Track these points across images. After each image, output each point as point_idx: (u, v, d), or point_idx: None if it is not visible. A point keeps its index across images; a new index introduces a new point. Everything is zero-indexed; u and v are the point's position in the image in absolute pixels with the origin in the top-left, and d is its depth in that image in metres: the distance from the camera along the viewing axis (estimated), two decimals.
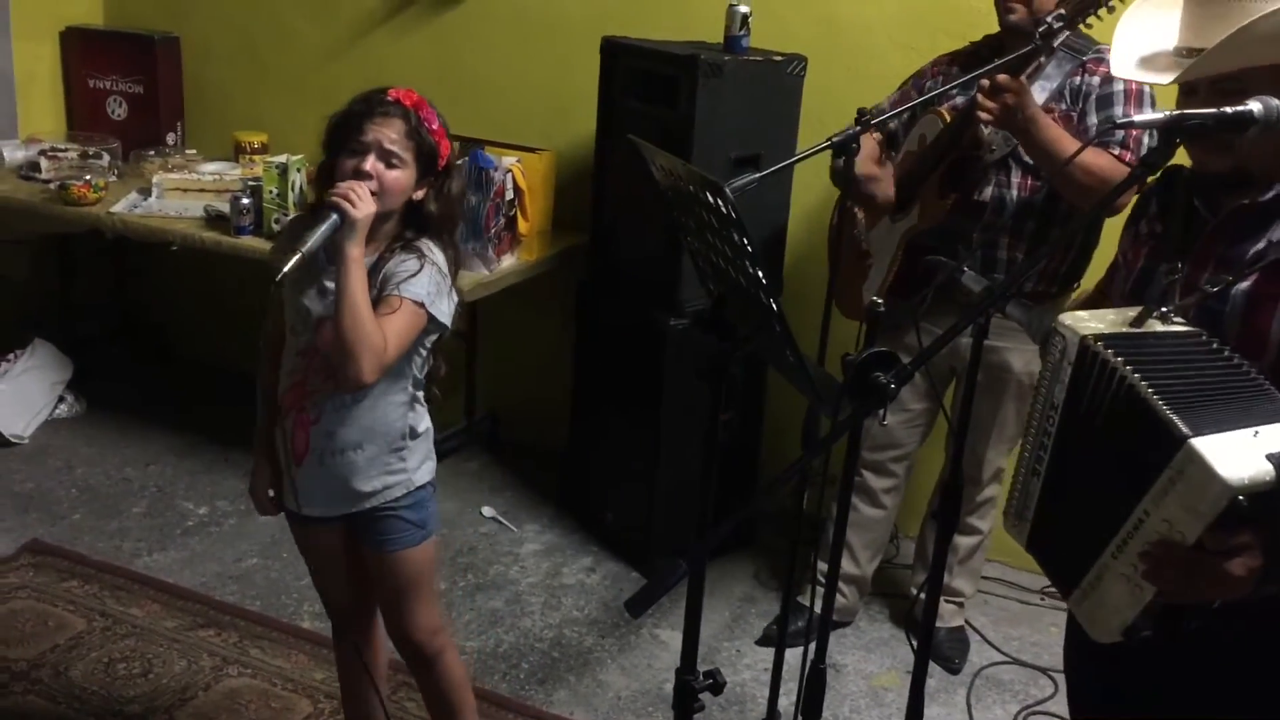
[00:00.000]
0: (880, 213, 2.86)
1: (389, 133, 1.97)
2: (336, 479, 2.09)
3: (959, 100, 2.75)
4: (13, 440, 3.91)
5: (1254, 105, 1.41)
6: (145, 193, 3.86)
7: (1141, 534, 1.38)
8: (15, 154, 4.13)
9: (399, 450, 2.11)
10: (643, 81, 3.29)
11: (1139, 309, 1.53)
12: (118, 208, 3.74)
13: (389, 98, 2.01)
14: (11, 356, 4.08)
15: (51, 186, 3.86)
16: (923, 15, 3.37)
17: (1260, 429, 1.31)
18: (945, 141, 2.67)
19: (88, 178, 3.82)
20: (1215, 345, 1.46)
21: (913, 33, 3.37)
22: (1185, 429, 1.31)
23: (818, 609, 3.15)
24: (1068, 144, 2.53)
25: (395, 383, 2.08)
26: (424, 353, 2.12)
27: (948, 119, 2.67)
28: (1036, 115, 2.51)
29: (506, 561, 3.44)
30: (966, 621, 3.25)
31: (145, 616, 3.03)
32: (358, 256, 1.92)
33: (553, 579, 3.38)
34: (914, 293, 2.60)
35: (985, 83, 2.48)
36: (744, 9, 3.22)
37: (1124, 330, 1.50)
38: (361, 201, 1.90)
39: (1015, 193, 2.73)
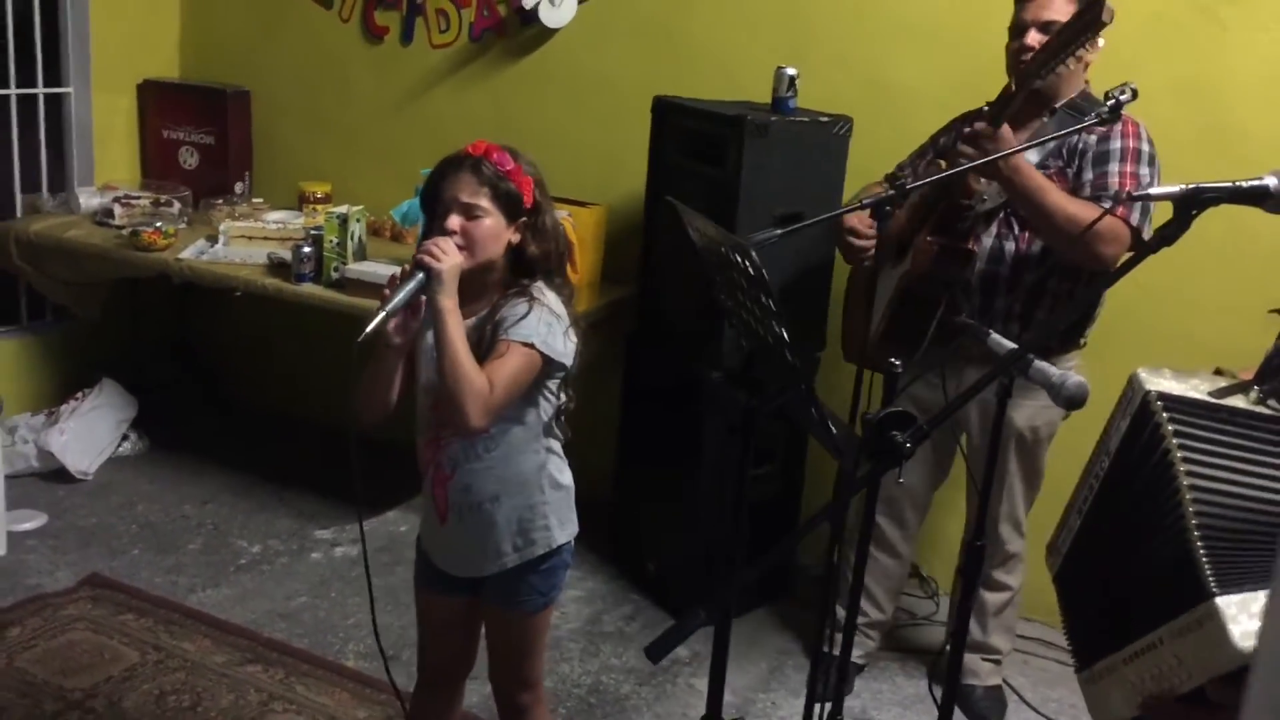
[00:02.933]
0: (851, 259, 2.96)
1: (464, 186, 1.99)
2: (477, 536, 2.10)
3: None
4: (78, 476, 4.05)
5: (1270, 180, 1.45)
6: (212, 240, 4.00)
7: (1154, 657, 1.37)
8: (91, 200, 4.30)
9: (540, 504, 2.11)
10: (691, 140, 3.38)
11: (1236, 381, 1.49)
12: (185, 254, 3.89)
13: (461, 154, 2.03)
14: (80, 395, 4.23)
15: (124, 232, 4.02)
16: (966, 77, 3.41)
17: None
18: (938, 189, 2.72)
19: (158, 224, 3.98)
20: None
21: (957, 94, 3.41)
22: (1214, 585, 1.29)
23: (851, 656, 3.20)
24: (1052, 193, 2.60)
25: (523, 428, 2.07)
26: (550, 396, 2.10)
27: (942, 169, 2.71)
28: (1019, 164, 2.57)
29: None
30: (1005, 681, 3.24)
31: (196, 651, 3.12)
32: (450, 307, 1.93)
33: (593, 626, 3.43)
34: (907, 338, 2.64)
35: (967, 129, 2.54)
36: (791, 71, 3.30)
37: (1196, 397, 1.46)
38: (445, 255, 1.93)
39: (1014, 245, 2.78)
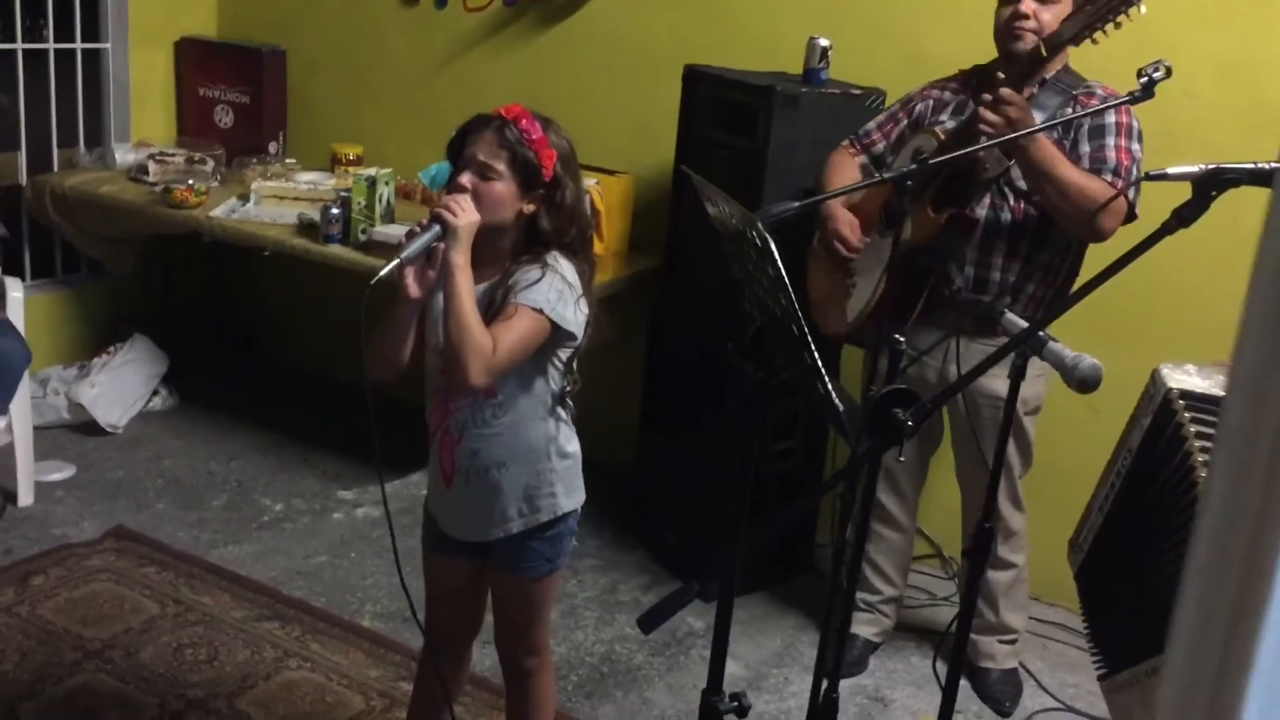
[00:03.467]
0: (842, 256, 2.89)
1: (484, 145, 1.99)
2: (484, 501, 2.10)
3: (948, 124, 2.78)
4: (108, 429, 4.10)
5: None
6: (244, 199, 4.02)
7: None
8: (126, 156, 4.34)
9: (547, 471, 2.11)
10: (721, 110, 3.34)
11: None
12: (216, 212, 3.91)
13: (491, 113, 2.02)
14: (112, 349, 4.28)
15: (157, 189, 4.05)
16: None
17: None
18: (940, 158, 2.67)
19: (191, 182, 4.00)
20: None
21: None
22: None
23: (865, 634, 3.19)
24: (1063, 163, 2.57)
25: (532, 397, 2.06)
26: (559, 366, 2.09)
27: (942, 137, 2.65)
28: (1037, 133, 2.53)
29: (565, 574, 3.50)
30: (1022, 664, 3.21)
31: (215, 605, 3.15)
32: (461, 264, 1.93)
33: (609, 595, 3.44)
34: (898, 311, 2.63)
35: (988, 96, 2.49)
36: (824, 42, 3.26)
37: (1219, 394, 1.45)
38: (463, 211, 1.93)
39: (1009, 215, 2.75)
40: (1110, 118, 2.69)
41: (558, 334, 2.01)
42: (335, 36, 4.55)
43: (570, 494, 2.15)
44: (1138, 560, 1.51)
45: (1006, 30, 2.69)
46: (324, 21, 4.56)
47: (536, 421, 2.09)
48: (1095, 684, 3.19)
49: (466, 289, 1.94)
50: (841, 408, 1.61)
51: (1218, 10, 3.16)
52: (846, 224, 2.86)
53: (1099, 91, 2.71)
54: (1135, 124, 2.71)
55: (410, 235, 1.96)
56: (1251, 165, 1.41)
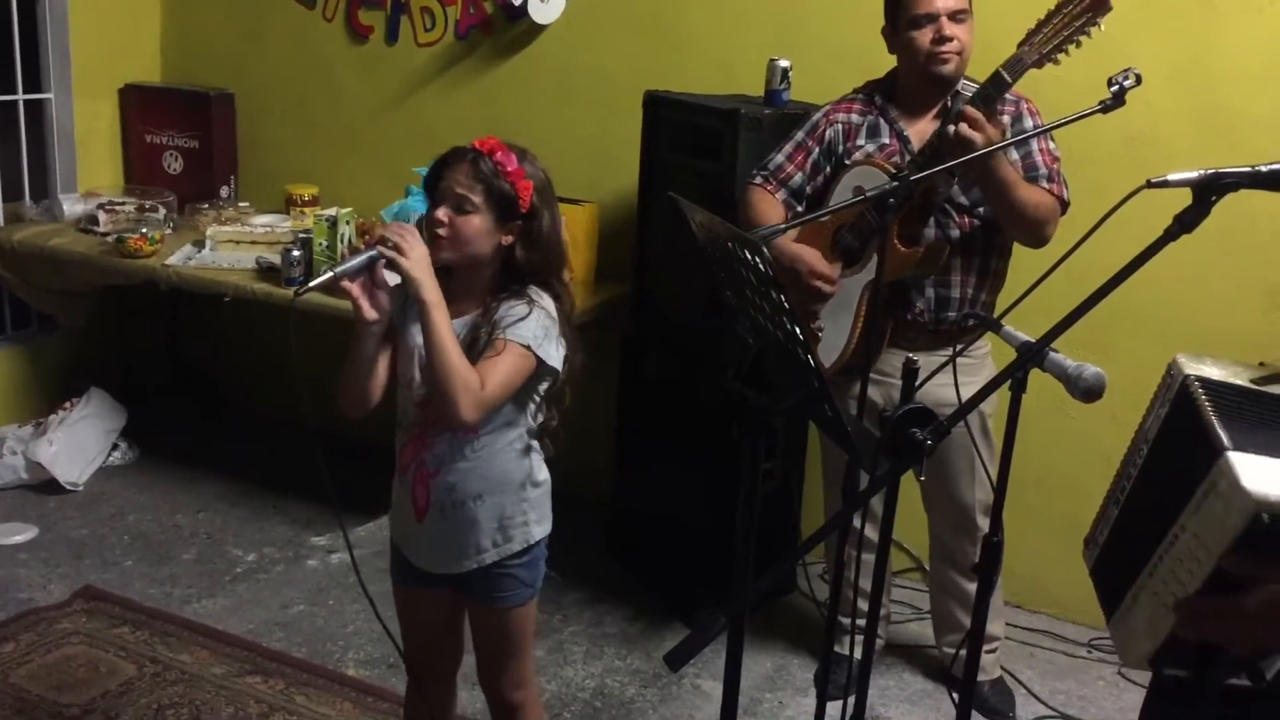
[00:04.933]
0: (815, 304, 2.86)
1: (458, 178, 1.98)
2: (458, 533, 2.09)
3: (870, 149, 2.81)
4: (68, 487, 4.00)
5: None
6: (199, 245, 3.95)
7: (1175, 550, 1.32)
8: (75, 207, 4.25)
9: (520, 501, 2.11)
10: (684, 134, 3.34)
11: (1278, 371, 1.46)
12: (172, 260, 3.84)
13: (467, 146, 2.02)
14: (69, 404, 4.18)
15: (109, 239, 3.96)
16: None
17: None
18: (903, 191, 2.66)
19: (144, 230, 3.93)
20: None
21: None
22: (1227, 441, 1.26)
23: (857, 655, 3.17)
24: (1021, 181, 2.64)
25: (511, 430, 2.07)
26: (538, 399, 2.10)
27: (890, 169, 2.58)
28: (998, 152, 2.56)
29: (550, 609, 3.45)
30: (1011, 673, 3.21)
31: (194, 663, 3.07)
32: (434, 300, 1.91)
33: (595, 627, 3.39)
34: (873, 343, 2.66)
35: (970, 116, 2.50)
36: (784, 63, 3.27)
37: (1238, 383, 1.43)
38: (407, 246, 1.90)
39: (958, 231, 2.79)
40: (1028, 122, 2.75)
41: (541, 370, 2.03)
42: (284, 77, 4.49)
43: (541, 521, 2.16)
44: (1147, 518, 1.49)
45: (931, 55, 2.71)
46: (272, 62, 4.50)
47: (513, 455, 2.10)
48: (1085, 689, 3.23)
49: (443, 327, 1.92)
50: (851, 430, 1.60)
51: (1164, 15, 3.21)
52: (817, 260, 2.80)
53: (1021, 102, 2.79)
54: (1045, 123, 2.72)
55: (353, 251, 1.97)
56: (1250, 168, 1.42)
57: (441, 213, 1.98)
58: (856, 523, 3.03)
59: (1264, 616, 1.17)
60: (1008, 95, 2.69)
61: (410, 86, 4.27)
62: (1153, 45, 3.19)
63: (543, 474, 2.17)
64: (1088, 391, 1.62)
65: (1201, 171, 1.46)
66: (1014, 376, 1.69)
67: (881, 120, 2.86)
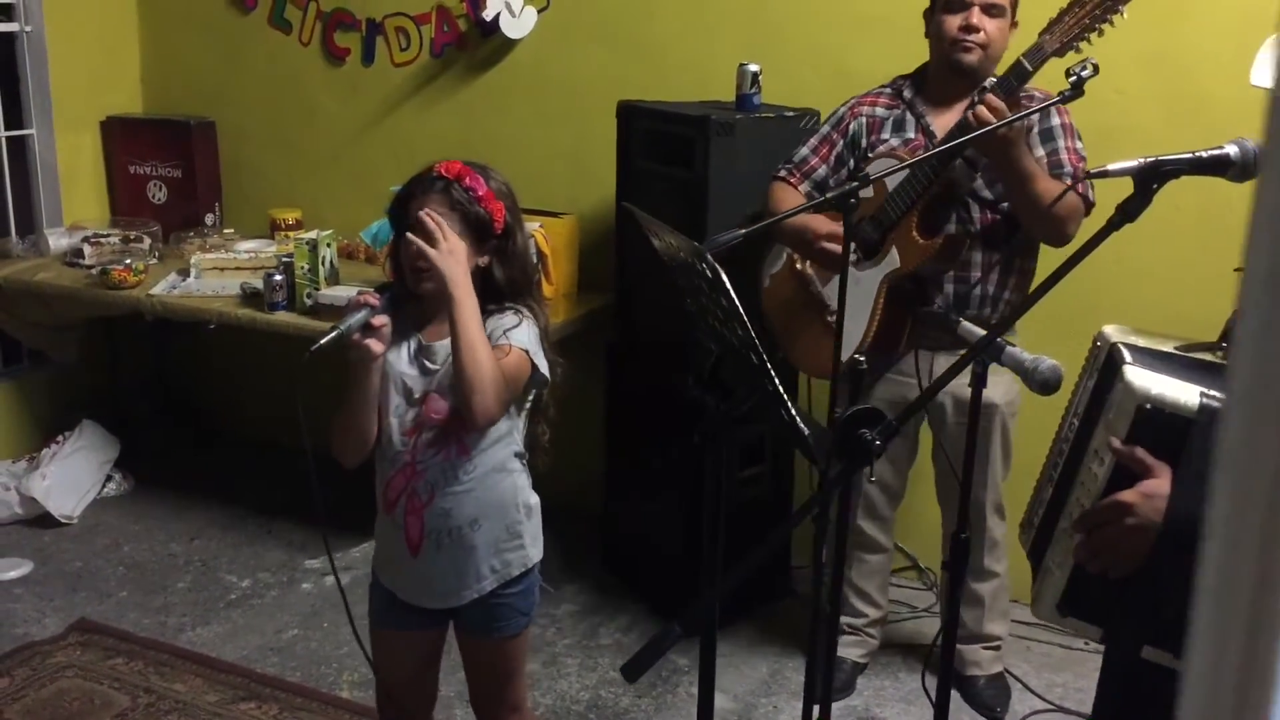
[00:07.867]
0: (834, 267, 2.85)
1: (433, 208, 1.97)
2: (456, 562, 2.06)
3: (895, 143, 2.79)
4: (63, 520, 4.00)
5: (1230, 148, 1.42)
6: (184, 273, 3.96)
7: (1082, 475, 1.42)
8: (60, 241, 4.26)
9: (515, 524, 2.10)
10: (658, 143, 3.34)
11: (1211, 344, 1.51)
12: (156, 289, 3.85)
13: (432, 174, 2.01)
14: (61, 438, 4.19)
15: (94, 272, 3.98)
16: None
17: (1212, 390, 1.33)
18: (922, 181, 2.66)
19: (128, 261, 3.94)
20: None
21: None
22: (1128, 358, 1.37)
23: (851, 656, 3.16)
24: (1043, 173, 2.61)
25: (501, 448, 2.06)
26: (525, 411, 2.11)
27: (909, 159, 2.61)
28: (1019, 141, 2.54)
29: (544, 623, 3.45)
30: (1006, 669, 3.20)
31: (188, 691, 3.07)
32: (463, 294, 1.91)
33: (589, 640, 3.39)
34: (895, 338, 2.62)
35: (990, 103, 2.48)
36: (754, 67, 3.27)
37: (1163, 349, 1.48)
38: (439, 237, 1.92)
39: (979, 226, 2.76)
40: (1055, 119, 2.72)
41: (533, 377, 2.04)
42: (264, 103, 4.51)
43: (535, 543, 2.16)
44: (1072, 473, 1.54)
45: (955, 41, 2.70)
46: (251, 89, 4.52)
47: (504, 474, 2.09)
48: (1082, 682, 3.21)
49: (475, 319, 1.93)
50: (807, 432, 1.59)
51: (1134, 3, 3.19)
52: (822, 224, 2.78)
53: (1036, 94, 2.73)
54: (1073, 122, 2.75)
55: (353, 306, 1.96)
56: (1190, 155, 1.41)
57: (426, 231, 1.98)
58: (861, 525, 3.04)
59: (1139, 506, 1.32)
60: (1035, 93, 2.68)
61: (388, 106, 4.28)
62: (1120, 34, 3.16)
63: (533, 497, 2.16)
64: (1044, 384, 1.61)
65: (1141, 160, 1.45)
66: (973, 371, 1.69)
67: (908, 114, 2.84)
